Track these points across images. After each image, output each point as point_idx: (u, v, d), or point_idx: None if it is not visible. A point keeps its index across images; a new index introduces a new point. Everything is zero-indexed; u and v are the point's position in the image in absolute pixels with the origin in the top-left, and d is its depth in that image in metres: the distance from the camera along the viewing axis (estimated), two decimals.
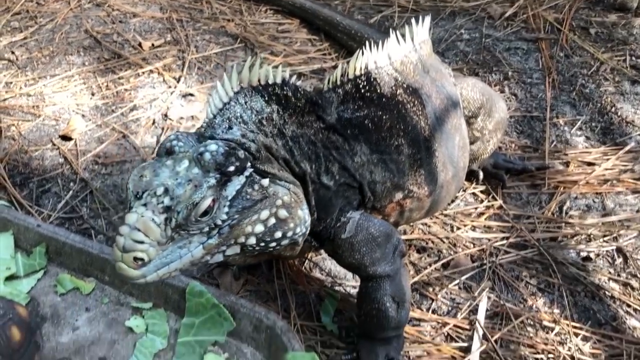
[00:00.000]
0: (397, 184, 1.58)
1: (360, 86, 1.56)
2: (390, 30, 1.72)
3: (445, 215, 2.03)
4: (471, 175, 2.11)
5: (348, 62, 1.57)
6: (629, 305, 1.83)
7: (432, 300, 1.81)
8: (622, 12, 2.98)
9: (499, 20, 2.90)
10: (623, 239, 2.00)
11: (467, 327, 1.74)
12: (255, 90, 1.35)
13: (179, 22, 2.77)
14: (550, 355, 1.68)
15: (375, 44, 1.61)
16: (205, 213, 1.21)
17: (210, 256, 1.27)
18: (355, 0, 3.05)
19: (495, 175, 2.16)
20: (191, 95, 2.42)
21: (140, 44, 2.62)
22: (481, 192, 2.14)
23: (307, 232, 1.40)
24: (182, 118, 2.33)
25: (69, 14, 2.75)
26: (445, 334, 1.73)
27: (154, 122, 2.31)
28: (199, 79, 2.49)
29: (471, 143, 1.98)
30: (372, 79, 1.57)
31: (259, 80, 1.36)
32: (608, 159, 2.25)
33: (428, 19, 1.81)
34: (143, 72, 2.49)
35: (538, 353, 1.69)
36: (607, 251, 1.97)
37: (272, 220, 1.30)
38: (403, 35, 1.71)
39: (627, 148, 2.28)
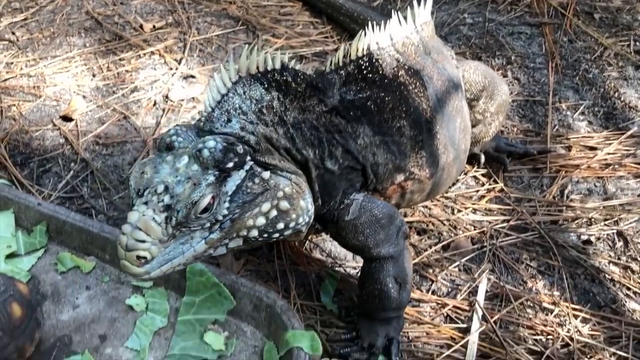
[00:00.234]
0: (398, 165, 1.58)
1: (363, 67, 1.55)
2: (393, 12, 1.71)
3: (446, 198, 2.03)
4: (473, 159, 2.11)
5: (350, 44, 1.56)
6: (628, 288, 1.83)
7: (432, 281, 1.81)
8: None
9: (503, 4, 2.88)
10: (624, 223, 2.00)
11: (467, 308, 1.75)
12: (254, 78, 1.34)
13: (180, 4, 2.76)
14: (550, 337, 1.69)
15: (377, 25, 1.60)
16: (205, 210, 1.22)
17: (213, 249, 1.28)
18: None
19: (497, 158, 2.15)
20: (192, 77, 2.41)
21: (141, 26, 2.61)
22: (482, 175, 2.13)
23: (311, 220, 1.39)
24: (182, 100, 2.32)
25: None
26: (445, 314, 1.73)
27: (154, 104, 2.30)
28: (200, 61, 2.48)
29: (473, 126, 1.97)
30: (374, 60, 1.56)
31: (257, 68, 1.34)
32: (610, 144, 2.24)
33: (430, 0, 1.80)
34: (144, 54, 2.48)
35: (537, 334, 1.69)
36: (607, 235, 1.97)
37: (274, 212, 1.30)
38: (405, 17, 1.70)
39: (629, 132, 2.27)
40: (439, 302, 1.76)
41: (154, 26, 2.61)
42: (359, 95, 1.52)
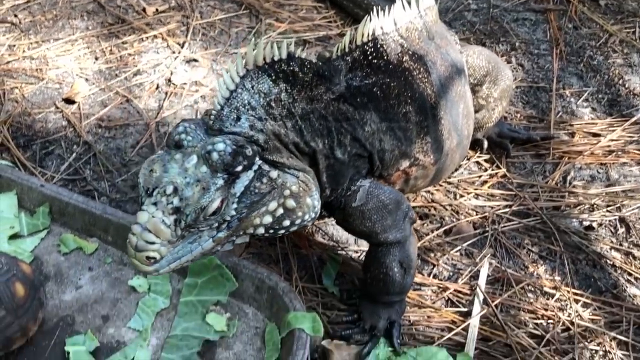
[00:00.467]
0: (404, 152, 1.58)
1: (368, 53, 1.54)
2: None
3: (449, 183, 2.03)
4: (475, 144, 2.10)
5: (356, 29, 1.55)
6: (629, 274, 1.83)
7: (434, 265, 1.82)
8: None
9: None
10: (626, 209, 2.00)
11: (468, 292, 1.75)
12: (261, 70, 1.33)
13: None
14: (550, 321, 1.69)
15: (382, 10, 1.59)
16: (214, 213, 1.23)
17: (220, 246, 1.30)
18: None
19: (500, 144, 2.15)
20: (195, 60, 2.40)
21: (144, 9, 2.60)
22: (485, 160, 2.13)
23: (317, 216, 1.40)
24: (185, 83, 2.31)
25: None
26: (446, 298, 1.74)
27: (157, 87, 2.30)
28: (203, 45, 2.47)
29: (476, 111, 1.97)
30: (378, 46, 1.56)
31: (264, 59, 1.33)
32: (614, 130, 2.24)
33: None
34: (147, 37, 2.47)
35: (538, 318, 1.70)
36: (609, 221, 1.97)
37: (280, 211, 1.31)
38: (409, 2, 1.69)
39: (633, 119, 2.27)
40: (440, 286, 1.76)
41: (156, 10, 2.59)
42: (365, 82, 1.52)
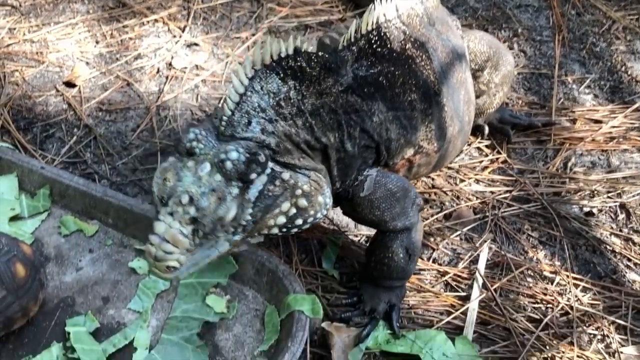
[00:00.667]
0: (409, 140, 1.59)
1: (372, 41, 1.54)
2: None
3: (449, 169, 2.03)
4: (476, 130, 2.10)
5: (362, 18, 1.54)
6: (629, 260, 1.84)
7: (433, 250, 1.82)
8: None
9: None
10: (627, 195, 2.00)
11: (467, 276, 1.75)
12: (269, 69, 1.33)
13: None
14: (549, 305, 1.70)
15: None
16: (230, 220, 1.25)
17: (236, 248, 1.31)
18: None
19: (501, 130, 2.14)
20: (196, 45, 2.39)
21: None
22: (486, 146, 2.13)
23: (328, 212, 1.41)
24: (185, 67, 2.31)
25: None
26: (445, 282, 1.74)
27: (158, 71, 2.29)
28: (204, 29, 2.46)
29: (477, 97, 1.96)
30: (382, 34, 1.55)
31: (271, 57, 1.33)
32: (615, 117, 2.23)
33: None
34: (148, 21, 2.46)
35: (537, 303, 1.70)
36: (610, 207, 1.97)
37: (293, 210, 1.32)
38: None
39: (635, 106, 2.26)
40: (440, 270, 1.76)
41: None
42: (371, 71, 1.51)
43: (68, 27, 2.43)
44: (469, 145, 2.11)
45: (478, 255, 1.80)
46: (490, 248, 1.82)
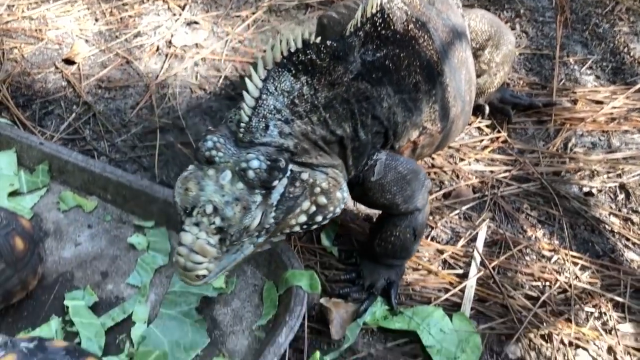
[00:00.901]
0: (414, 122, 1.59)
1: (377, 24, 1.53)
2: None
3: (450, 148, 2.02)
4: (477, 110, 2.09)
5: (367, 2, 1.53)
6: (627, 239, 1.84)
7: (432, 228, 1.82)
8: None
9: None
10: (627, 176, 1.99)
11: (466, 254, 1.75)
12: (281, 67, 1.32)
13: None
14: (547, 283, 1.70)
15: None
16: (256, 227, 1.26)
17: (260, 249, 1.33)
18: None
19: (502, 109, 2.13)
20: (196, 23, 2.38)
21: None
22: (486, 126, 2.12)
23: (345, 206, 1.42)
24: (185, 46, 2.29)
25: None
26: (443, 260, 1.74)
27: (157, 49, 2.28)
28: (204, 8, 2.45)
29: (478, 76, 1.95)
30: (385, 16, 1.55)
31: (281, 54, 1.33)
32: (617, 98, 2.22)
33: None
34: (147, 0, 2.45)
35: (535, 280, 1.71)
36: (609, 187, 1.97)
37: (313, 208, 1.33)
38: None
39: (637, 87, 2.25)
40: (439, 248, 1.76)
41: None
42: (377, 55, 1.51)
43: (67, 4, 2.41)
44: (470, 124, 2.10)
45: (477, 233, 1.80)
46: (489, 227, 1.82)
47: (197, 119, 2.06)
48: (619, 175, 1.99)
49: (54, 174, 1.78)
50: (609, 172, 2.00)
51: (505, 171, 1.97)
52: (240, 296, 1.59)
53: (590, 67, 2.37)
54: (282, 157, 1.27)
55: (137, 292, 1.58)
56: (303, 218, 1.33)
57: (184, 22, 2.38)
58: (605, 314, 1.64)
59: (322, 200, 1.33)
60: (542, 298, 1.64)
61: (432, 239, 1.80)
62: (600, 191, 1.96)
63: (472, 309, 1.62)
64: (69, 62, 2.21)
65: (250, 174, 1.23)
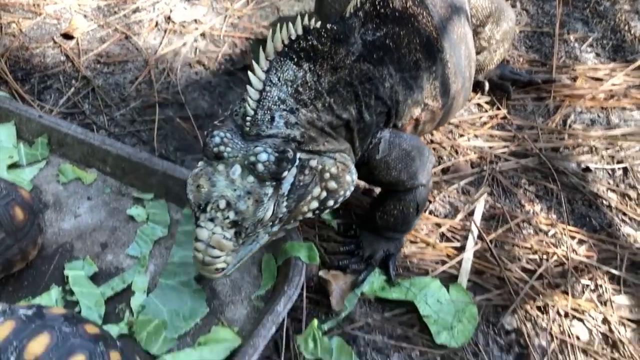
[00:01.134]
0: (416, 100, 1.59)
1: (376, 3, 1.54)
2: None
3: (449, 124, 2.02)
4: (477, 86, 2.09)
5: None
6: (624, 214, 1.84)
7: (430, 202, 1.82)
8: None
9: None
10: (625, 152, 2.00)
11: (463, 228, 1.76)
12: (282, 55, 1.32)
13: None
14: (544, 256, 1.71)
15: None
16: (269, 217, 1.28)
17: (274, 237, 1.37)
18: None
19: (501, 86, 2.13)
20: None
21: None
22: (486, 102, 2.12)
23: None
24: (185, 21, 2.29)
25: None
26: (441, 234, 1.75)
27: (156, 25, 2.27)
28: None
29: (478, 53, 1.95)
30: None
31: (282, 42, 1.32)
32: (616, 75, 2.21)
33: None
34: None
35: (532, 254, 1.72)
36: (608, 163, 1.97)
37: (324, 194, 1.35)
38: None
39: (636, 64, 2.25)
40: (437, 222, 1.77)
41: None
42: (377, 34, 1.52)
43: None
44: (469, 101, 2.10)
45: (475, 207, 1.80)
46: (486, 201, 1.83)
47: (195, 94, 2.06)
48: (617, 152, 2.00)
49: (53, 146, 1.78)
50: (607, 149, 2.00)
51: (504, 147, 1.97)
52: (239, 267, 1.59)
53: (591, 45, 2.36)
54: (289, 148, 1.28)
55: (136, 262, 1.58)
56: (315, 204, 1.35)
57: None
58: (600, 286, 1.65)
59: (332, 185, 1.35)
60: (539, 271, 1.66)
61: (430, 213, 1.80)
62: (598, 167, 1.96)
63: (469, 280, 1.63)
64: (67, 37, 2.20)
65: (260, 167, 1.24)
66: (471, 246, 1.70)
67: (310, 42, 1.36)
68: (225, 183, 1.25)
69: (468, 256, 1.67)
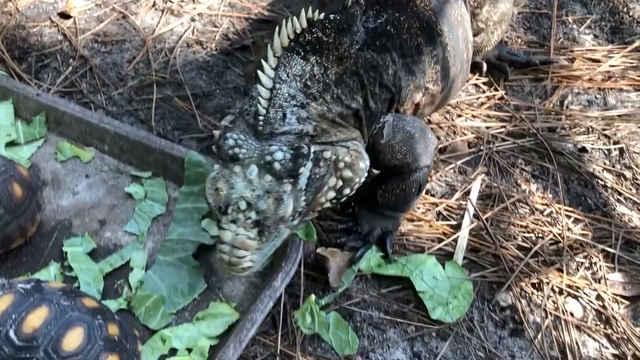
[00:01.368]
0: (418, 84, 1.60)
1: None
2: None
3: (447, 105, 2.02)
4: (474, 67, 2.09)
5: None
6: (620, 194, 1.86)
7: (427, 181, 1.83)
8: None
9: None
10: (621, 133, 2.00)
11: (460, 207, 1.77)
12: (289, 51, 1.32)
13: None
14: (540, 234, 1.72)
15: None
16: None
17: (295, 230, 1.39)
18: None
19: (499, 67, 2.14)
20: None
21: None
22: (483, 83, 2.12)
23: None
24: (182, 0, 2.28)
25: None
26: (438, 212, 1.76)
27: (154, 4, 2.26)
28: None
29: (475, 34, 1.95)
30: None
31: (288, 37, 1.32)
32: (614, 57, 2.22)
33: None
34: None
35: (528, 232, 1.73)
36: (604, 143, 1.98)
37: (340, 183, 1.37)
38: None
39: (634, 45, 2.25)
40: (433, 201, 1.78)
41: None
42: (379, 21, 1.53)
43: None
44: (467, 82, 2.10)
45: (471, 187, 1.81)
46: (483, 180, 1.84)
47: (193, 74, 2.05)
48: (614, 133, 2.01)
49: (51, 125, 1.78)
50: (604, 129, 2.01)
51: (501, 127, 1.98)
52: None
53: (589, 27, 2.36)
54: (304, 144, 1.29)
55: (134, 239, 1.60)
56: (332, 194, 1.37)
57: None
58: (595, 264, 1.67)
59: (348, 173, 1.37)
60: (534, 249, 1.67)
61: (426, 192, 1.81)
62: (594, 147, 1.97)
63: (464, 258, 1.65)
64: (64, 16, 2.19)
65: (277, 166, 1.26)
66: (467, 224, 1.71)
67: (315, 35, 1.37)
68: (243, 184, 1.27)
69: (464, 234, 1.68)
